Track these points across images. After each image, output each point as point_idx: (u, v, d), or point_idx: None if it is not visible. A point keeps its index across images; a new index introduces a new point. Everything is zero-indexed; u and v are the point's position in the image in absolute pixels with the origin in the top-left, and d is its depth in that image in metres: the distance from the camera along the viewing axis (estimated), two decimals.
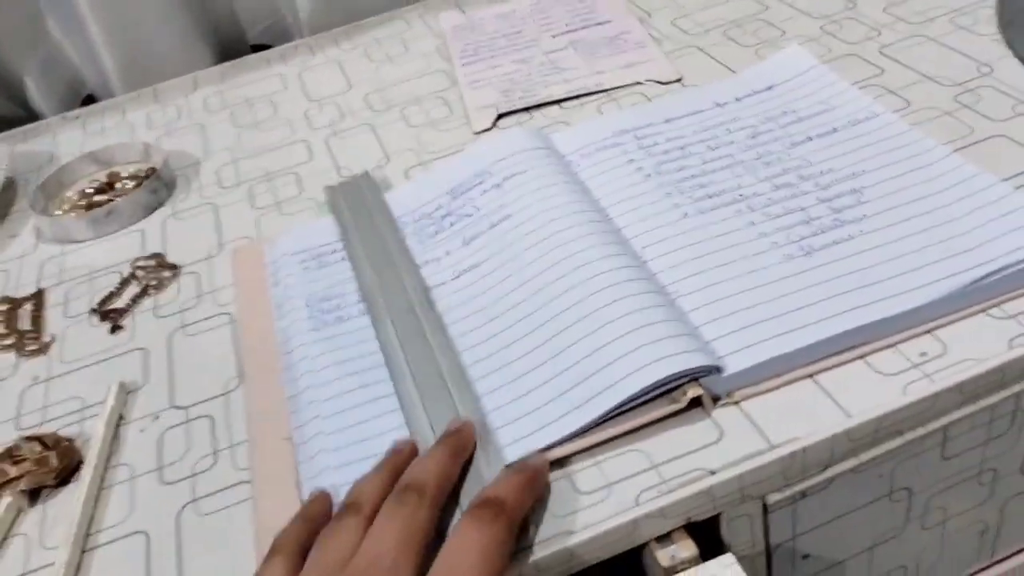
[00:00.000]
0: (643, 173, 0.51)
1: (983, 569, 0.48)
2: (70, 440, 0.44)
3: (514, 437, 0.38)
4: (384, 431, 0.40)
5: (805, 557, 0.41)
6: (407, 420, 0.40)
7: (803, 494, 0.38)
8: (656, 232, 0.46)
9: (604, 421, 0.38)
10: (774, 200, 0.47)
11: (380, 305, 0.46)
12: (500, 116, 0.63)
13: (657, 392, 0.38)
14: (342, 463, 0.39)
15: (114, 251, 0.59)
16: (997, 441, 0.41)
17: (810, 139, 0.51)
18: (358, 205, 0.54)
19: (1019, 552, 0.49)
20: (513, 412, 0.39)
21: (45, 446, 0.43)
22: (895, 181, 0.47)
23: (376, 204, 0.54)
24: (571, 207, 0.48)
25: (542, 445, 0.38)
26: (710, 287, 0.42)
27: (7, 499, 0.42)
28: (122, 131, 0.73)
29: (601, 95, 0.62)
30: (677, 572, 0.36)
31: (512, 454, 0.38)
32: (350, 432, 0.41)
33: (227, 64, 0.80)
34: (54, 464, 0.42)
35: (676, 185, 0.50)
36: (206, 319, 0.51)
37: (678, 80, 0.62)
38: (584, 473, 0.38)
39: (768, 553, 0.40)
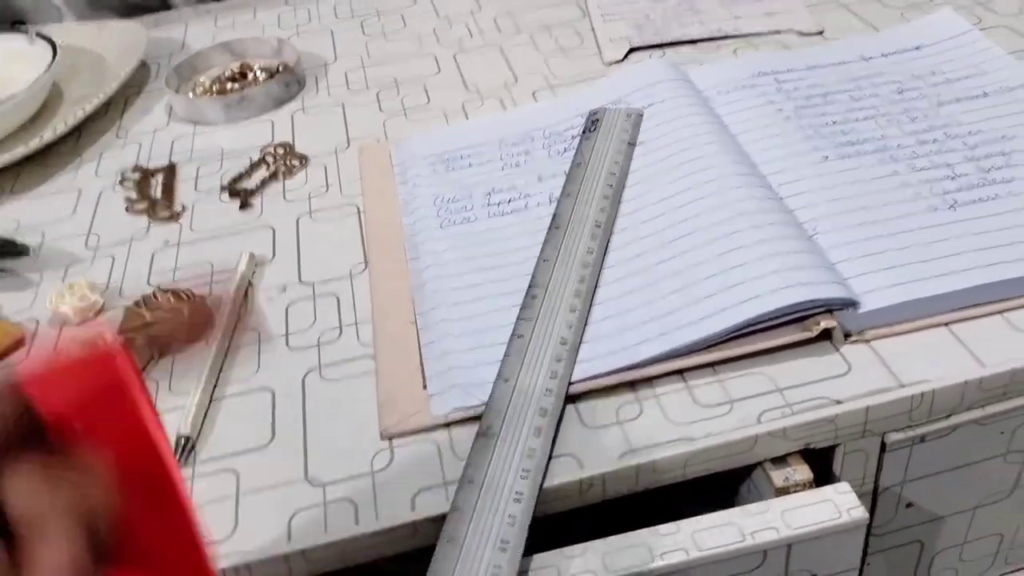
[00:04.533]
0: (783, 115, 0.51)
1: None
2: (202, 297, 0.46)
3: (640, 339, 0.39)
4: (506, 323, 0.41)
5: (909, 506, 0.41)
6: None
7: (922, 438, 0.38)
8: (795, 171, 0.46)
9: (730, 339, 0.38)
10: (919, 154, 0.46)
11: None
12: (632, 50, 0.62)
13: (788, 318, 0.38)
14: (468, 348, 0.40)
15: (244, 136, 0.61)
16: None
17: (958, 100, 0.50)
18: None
19: None
20: (639, 317, 0.40)
21: (180, 299, 0.45)
22: None
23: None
24: (709, 136, 0.48)
25: (667, 349, 0.38)
26: (850, 228, 0.42)
27: (139, 343, 0.44)
28: (251, 28, 0.75)
29: (738, 39, 0.62)
30: (789, 493, 0.36)
31: (639, 355, 0.38)
32: (477, 320, 0.41)
33: None
34: (186, 315, 0.44)
35: (816, 130, 0.49)
36: (333, 207, 0.52)
37: (819, 32, 0.61)
38: (705, 388, 0.38)
39: (875, 495, 0.40)
